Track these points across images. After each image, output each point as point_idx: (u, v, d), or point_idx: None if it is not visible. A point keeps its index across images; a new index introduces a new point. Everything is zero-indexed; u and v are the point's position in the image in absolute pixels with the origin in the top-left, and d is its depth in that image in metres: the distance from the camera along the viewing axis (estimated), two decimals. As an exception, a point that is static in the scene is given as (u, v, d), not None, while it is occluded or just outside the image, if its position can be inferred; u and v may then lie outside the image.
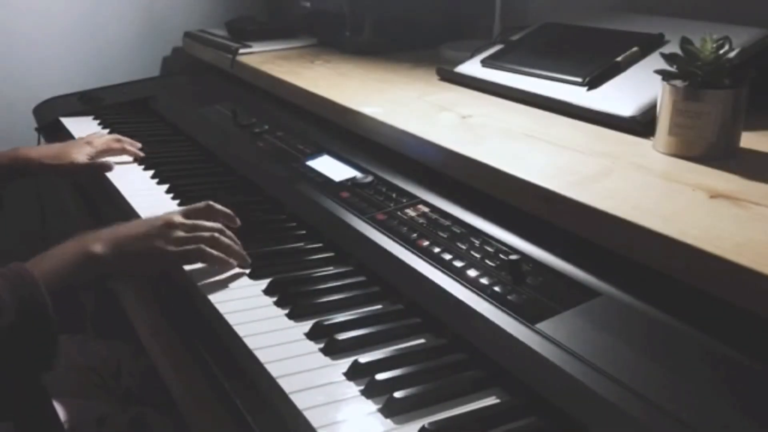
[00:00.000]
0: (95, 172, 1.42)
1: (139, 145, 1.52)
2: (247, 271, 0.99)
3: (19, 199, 1.92)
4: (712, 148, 0.96)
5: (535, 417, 0.69)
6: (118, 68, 2.09)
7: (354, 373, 0.77)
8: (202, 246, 0.97)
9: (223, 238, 0.99)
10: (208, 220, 1.01)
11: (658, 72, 1.00)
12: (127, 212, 1.25)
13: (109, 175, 1.40)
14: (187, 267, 0.98)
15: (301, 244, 1.07)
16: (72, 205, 1.57)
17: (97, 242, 0.93)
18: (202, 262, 0.97)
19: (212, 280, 0.96)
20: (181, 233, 0.97)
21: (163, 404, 1.04)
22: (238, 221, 1.06)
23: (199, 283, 0.96)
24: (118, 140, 1.50)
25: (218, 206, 1.04)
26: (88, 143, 1.46)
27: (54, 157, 1.41)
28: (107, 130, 1.71)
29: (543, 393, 0.69)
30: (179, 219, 0.99)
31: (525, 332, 0.74)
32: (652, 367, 0.68)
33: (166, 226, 0.97)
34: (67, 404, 1.03)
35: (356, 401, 0.73)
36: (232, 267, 0.98)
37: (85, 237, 0.94)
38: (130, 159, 1.48)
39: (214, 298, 0.92)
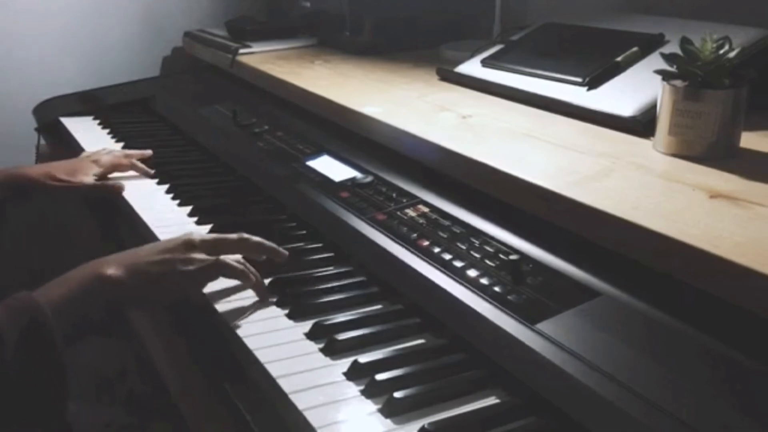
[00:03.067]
0: (104, 194, 1.34)
1: (149, 152, 1.45)
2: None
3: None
4: (712, 148, 0.96)
5: (535, 417, 0.69)
6: (118, 68, 2.09)
7: (354, 373, 0.77)
8: (221, 258, 0.91)
9: (244, 261, 0.93)
10: (240, 252, 0.95)
11: (658, 72, 1.00)
12: (128, 212, 1.25)
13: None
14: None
15: (301, 244, 1.07)
16: (71, 205, 1.56)
17: (111, 265, 0.86)
18: (222, 275, 0.92)
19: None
20: (201, 254, 0.91)
21: (165, 406, 1.04)
22: (285, 253, 0.97)
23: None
24: (127, 156, 1.42)
25: (255, 239, 0.96)
26: (95, 161, 1.38)
27: (59, 178, 1.32)
28: (107, 130, 1.72)
29: (543, 393, 0.69)
30: (199, 238, 0.92)
31: (525, 332, 0.74)
32: (652, 367, 0.68)
33: (185, 245, 0.91)
34: (74, 409, 1.00)
35: (356, 401, 0.73)
36: (252, 282, 0.92)
37: (97, 261, 0.87)
38: (141, 175, 1.41)
39: (214, 298, 0.92)
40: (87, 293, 0.83)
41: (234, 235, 0.96)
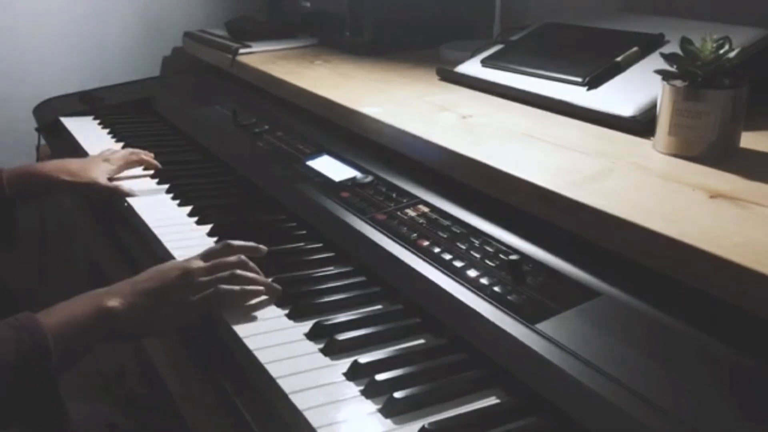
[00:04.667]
0: (113, 196, 1.32)
1: (152, 154, 1.45)
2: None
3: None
4: (712, 148, 0.96)
5: (535, 417, 0.69)
6: (118, 68, 2.09)
7: (354, 373, 0.77)
8: (220, 286, 0.90)
9: (244, 272, 0.92)
10: (235, 264, 0.94)
11: (658, 72, 1.00)
12: (128, 212, 1.25)
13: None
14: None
15: (301, 244, 1.07)
16: (71, 205, 1.56)
17: (113, 297, 0.86)
18: (224, 304, 0.90)
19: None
20: (200, 278, 0.90)
21: (165, 406, 1.04)
22: (264, 249, 0.99)
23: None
24: (135, 154, 1.43)
25: (237, 243, 0.97)
26: (106, 160, 1.37)
27: (72, 173, 1.32)
28: (107, 130, 1.72)
29: (543, 393, 0.69)
30: (197, 264, 0.92)
31: (525, 332, 0.74)
32: (652, 367, 0.68)
33: (183, 275, 0.90)
34: (75, 409, 1.01)
35: (356, 401, 0.73)
36: (258, 296, 0.91)
37: (99, 293, 0.88)
38: (149, 172, 1.41)
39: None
40: (88, 324, 0.84)
41: (218, 246, 0.96)
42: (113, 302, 0.86)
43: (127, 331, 0.88)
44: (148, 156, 1.44)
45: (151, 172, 1.41)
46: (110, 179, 1.35)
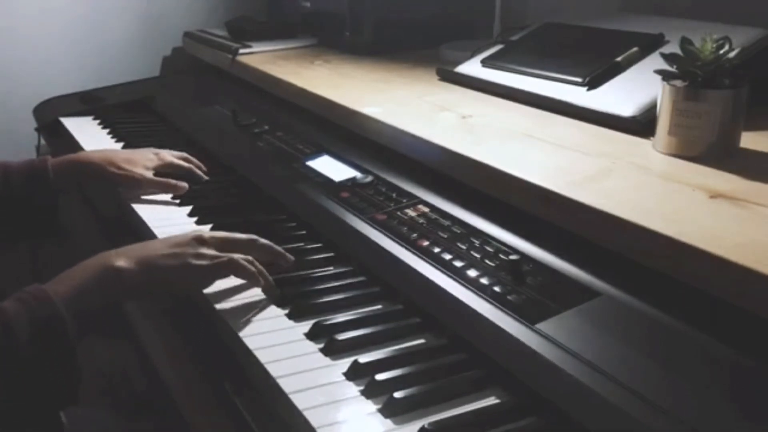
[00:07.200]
0: (163, 190, 1.29)
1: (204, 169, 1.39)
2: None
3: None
4: (712, 148, 0.96)
5: (535, 417, 0.69)
6: (118, 68, 2.09)
7: (354, 373, 0.77)
8: (235, 256, 0.90)
9: (253, 263, 0.93)
10: (249, 253, 0.94)
11: (658, 72, 1.00)
12: (127, 211, 1.25)
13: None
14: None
15: (301, 244, 1.07)
16: (70, 204, 1.56)
17: (121, 258, 0.86)
18: (234, 274, 0.91)
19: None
20: (212, 251, 0.91)
21: (165, 406, 1.04)
22: (291, 258, 0.97)
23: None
24: (188, 159, 1.37)
25: (264, 241, 0.96)
26: (156, 154, 1.34)
27: (120, 166, 1.28)
28: (107, 130, 1.72)
29: (543, 393, 0.69)
30: (209, 234, 0.93)
31: (525, 332, 0.74)
32: (652, 367, 0.68)
33: (195, 241, 0.91)
34: (73, 411, 0.95)
35: (356, 401, 0.73)
36: (262, 285, 0.92)
37: (107, 254, 0.87)
38: (175, 201, 1.29)
39: (214, 298, 0.92)
40: (97, 285, 0.84)
41: (244, 236, 0.96)
42: (121, 262, 0.86)
43: (136, 292, 0.89)
44: (198, 171, 1.36)
45: (177, 202, 1.29)
46: (156, 174, 1.31)
